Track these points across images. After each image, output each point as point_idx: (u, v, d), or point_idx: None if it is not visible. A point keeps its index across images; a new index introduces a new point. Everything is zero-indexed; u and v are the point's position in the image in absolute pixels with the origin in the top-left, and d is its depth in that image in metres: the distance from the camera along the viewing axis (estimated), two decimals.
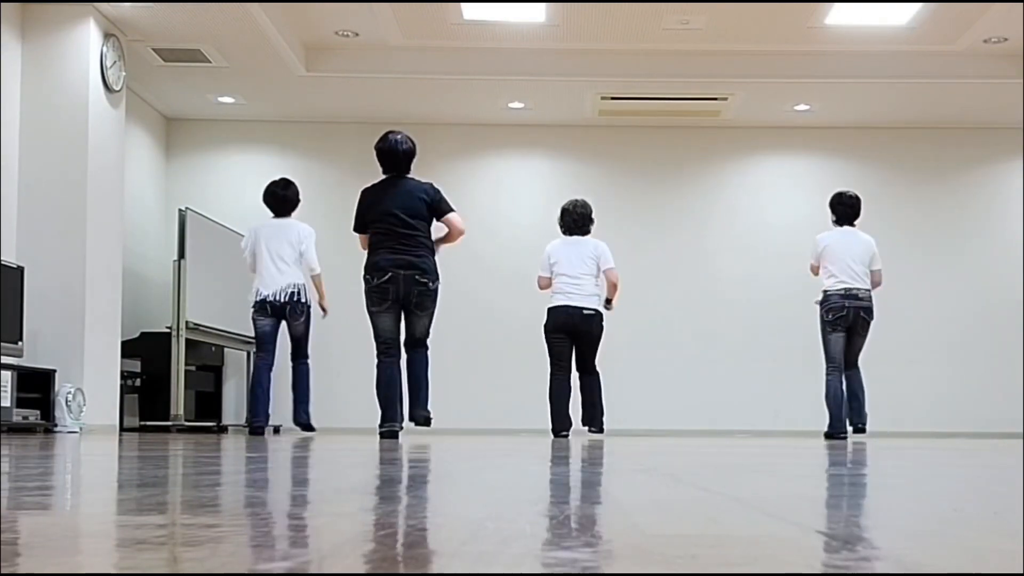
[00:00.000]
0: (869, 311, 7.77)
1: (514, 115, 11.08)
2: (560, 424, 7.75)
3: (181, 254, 9.45)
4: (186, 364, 9.48)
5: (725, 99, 10.48)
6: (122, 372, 9.02)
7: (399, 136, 6.78)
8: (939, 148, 11.46)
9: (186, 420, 9.54)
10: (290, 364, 7.87)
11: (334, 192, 11.16)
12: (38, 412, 7.73)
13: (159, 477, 2.18)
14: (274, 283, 7.64)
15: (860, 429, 7.71)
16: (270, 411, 7.88)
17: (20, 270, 7.78)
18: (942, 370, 11.28)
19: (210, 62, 9.56)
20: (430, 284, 6.56)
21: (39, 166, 8.21)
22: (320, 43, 9.69)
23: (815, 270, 7.98)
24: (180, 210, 9.65)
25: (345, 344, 10.60)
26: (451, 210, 6.67)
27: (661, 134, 11.39)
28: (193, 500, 1.57)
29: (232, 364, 11.07)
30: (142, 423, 9.71)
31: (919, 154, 11.47)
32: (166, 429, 9.34)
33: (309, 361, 7.87)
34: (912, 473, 2.53)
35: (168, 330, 9.47)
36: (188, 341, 9.45)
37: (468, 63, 9.83)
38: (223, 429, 10.53)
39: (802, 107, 10.81)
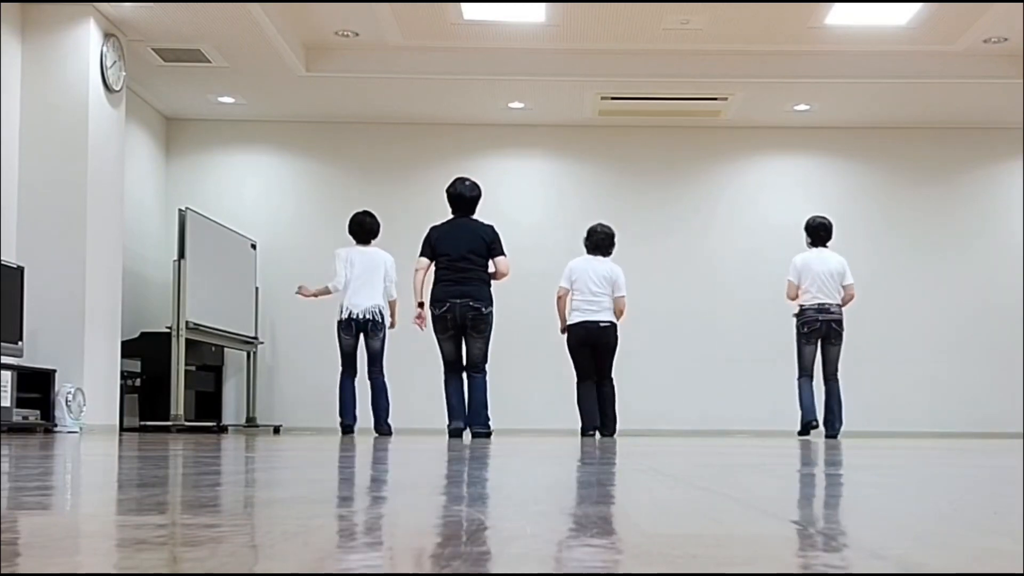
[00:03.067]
0: (839, 323, 8.61)
1: (514, 115, 11.08)
2: (591, 425, 8.35)
3: (181, 254, 9.45)
4: (186, 364, 9.48)
5: (725, 99, 10.48)
6: (122, 372, 9.02)
7: (468, 183, 7.69)
8: (939, 148, 11.46)
9: (186, 420, 9.53)
10: (367, 379, 8.52)
11: (334, 192, 11.17)
12: (38, 412, 7.73)
13: (159, 477, 2.18)
14: (361, 305, 8.42)
15: (833, 436, 8.50)
16: (355, 413, 8.57)
17: (20, 270, 7.77)
18: (942, 370, 11.28)
19: (210, 62, 9.56)
20: (483, 309, 7.48)
21: (39, 166, 8.21)
22: (320, 43, 9.69)
23: (793, 289, 8.70)
24: (180, 210, 9.65)
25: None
26: (502, 254, 7.56)
27: (661, 134, 11.39)
28: (193, 500, 1.57)
29: (232, 364, 11.08)
30: (142, 423, 9.71)
31: (919, 154, 11.47)
32: (166, 429, 9.34)
33: (385, 377, 8.52)
34: (912, 473, 2.53)
35: (168, 330, 9.47)
36: (188, 341, 9.45)
37: (468, 63, 9.83)
38: (223, 429, 10.53)
39: (802, 107, 10.81)
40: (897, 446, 5.63)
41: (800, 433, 8.60)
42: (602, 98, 10.47)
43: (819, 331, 8.57)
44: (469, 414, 7.56)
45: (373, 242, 8.64)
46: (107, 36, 8.55)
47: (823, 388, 8.63)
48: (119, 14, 8.51)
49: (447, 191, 7.71)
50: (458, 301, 7.44)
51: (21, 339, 7.72)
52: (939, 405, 11.23)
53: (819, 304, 8.55)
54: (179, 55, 9.40)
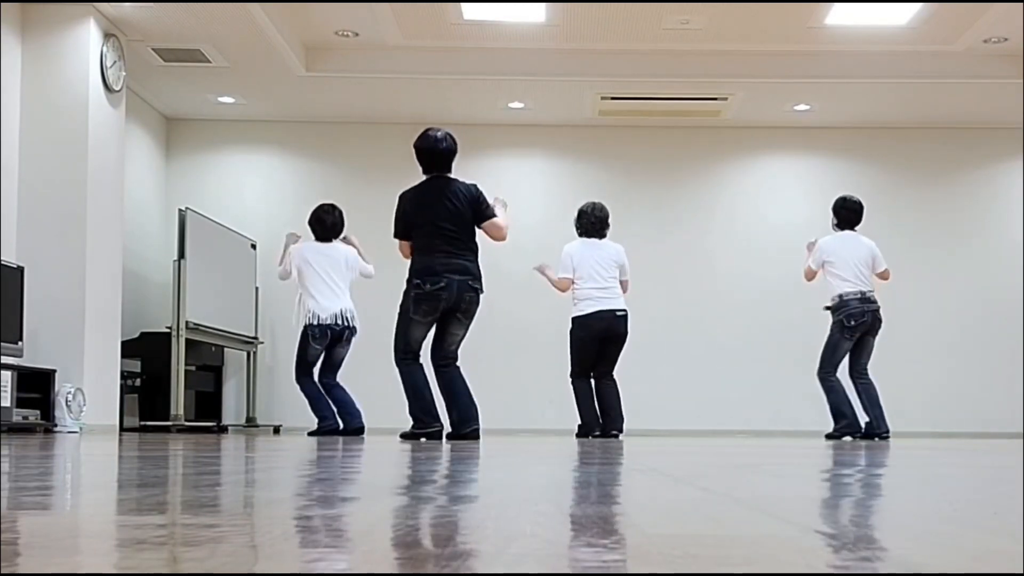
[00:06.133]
0: (879, 313, 7.87)
1: (514, 115, 11.08)
2: (593, 426, 7.76)
3: (181, 254, 9.45)
4: (186, 364, 9.48)
5: (725, 99, 10.48)
6: (122, 372, 9.02)
7: (438, 134, 6.39)
8: (939, 148, 11.46)
9: (186, 420, 9.54)
10: (321, 383, 8.05)
11: (334, 192, 11.15)
12: (38, 412, 7.73)
13: (159, 477, 2.18)
14: (332, 307, 7.87)
15: (884, 437, 7.70)
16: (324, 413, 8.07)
17: (20, 270, 7.78)
18: (942, 370, 11.28)
19: (210, 62, 9.56)
20: (480, 291, 6.33)
21: (39, 166, 8.21)
22: (320, 43, 9.69)
23: (810, 273, 7.99)
24: (180, 210, 9.65)
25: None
26: (492, 216, 6.37)
27: (661, 134, 11.39)
28: (193, 500, 1.57)
29: (232, 364, 11.08)
30: (142, 423, 9.71)
31: (919, 154, 11.47)
32: (166, 429, 9.34)
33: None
34: (912, 473, 2.53)
35: (168, 330, 9.47)
36: (188, 341, 9.45)
37: (468, 63, 9.83)
38: (223, 429, 10.54)
39: (802, 107, 10.81)
40: (897, 446, 5.63)
41: (831, 436, 7.79)
42: (602, 98, 10.47)
43: (866, 324, 7.74)
44: (459, 412, 6.31)
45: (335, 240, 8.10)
46: (107, 36, 8.55)
47: (853, 387, 7.89)
48: (119, 14, 8.51)
49: (414, 145, 6.42)
50: (457, 278, 6.19)
51: (21, 339, 7.72)
52: (939, 405, 11.23)
53: (861, 293, 7.72)
54: (179, 55, 9.40)
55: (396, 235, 6.42)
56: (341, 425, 8.00)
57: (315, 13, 8.98)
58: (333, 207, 8.18)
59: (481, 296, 6.38)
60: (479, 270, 6.37)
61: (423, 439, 6.29)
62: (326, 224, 8.06)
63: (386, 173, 11.35)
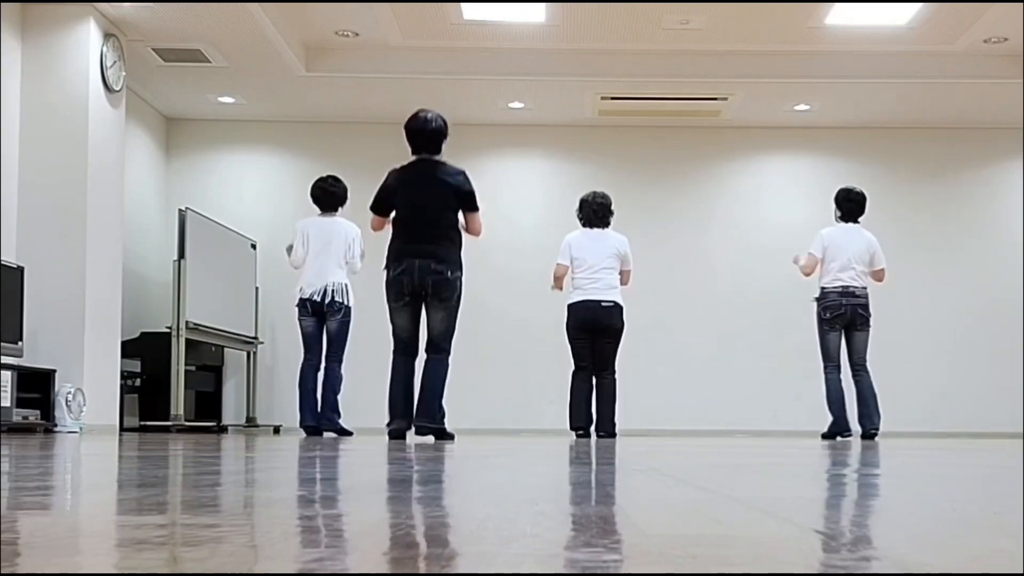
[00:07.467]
0: (866, 307, 7.83)
1: (514, 115, 11.08)
2: (579, 422, 7.68)
3: (181, 254, 9.45)
4: (186, 364, 9.48)
5: (725, 99, 10.48)
6: (122, 372, 9.02)
7: (429, 114, 6.29)
8: (939, 148, 11.46)
9: (186, 420, 9.54)
10: (325, 365, 7.93)
11: None
12: (38, 412, 7.73)
13: (159, 477, 2.18)
14: (317, 282, 7.80)
15: (871, 435, 7.70)
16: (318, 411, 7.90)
17: (20, 270, 7.78)
18: (942, 370, 11.28)
19: (210, 62, 9.57)
20: (447, 273, 6.12)
21: (39, 166, 8.21)
22: (320, 43, 9.70)
23: (812, 264, 7.92)
24: (180, 210, 9.65)
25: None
26: (476, 209, 6.28)
27: (661, 134, 11.39)
28: (193, 500, 1.57)
29: (232, 364, 11.08)
30: (142, 423, 9.71)
31: (919, 154, 11.48)
32: (166, 429, 9.34)
33: (342, 368, 7.89)
34: (912, 473, 2.53)
35: (168, 330, 9.47)
36: (188, 341, 9.45)
37: (468, 63, 9.83)
38: (223, 429, 10.54)
39: (802, 107, 10.81)
40: (897, 446, 5.63)
41: (825, 436, 7.83)
42: (602, 98, 10.48)
43: (843, 316, 7.73)
44: (417, 404, 6.14)
45: (340, 210, 8.03)
46: (107, 36, 8.55)
47: (851, 381, 7.81)
48: (119, 14, 8.51)
49: (404, 126, 6.34)
50: (417, 261, 6.10)
51: (21, 339, 7.72)
52: (939, 405, 11.23)
53: (843, 286, 7.72)
54: (179, 55, 9.40)
55: (372, 207, 6.38)
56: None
57: (315, 13, 8.98)
58: (336, 179, 8.11)
59: (454, 276, 6.18)
60: (453, 254, 6.19)
61: (393, 437, 6.19)
62: (327, 193, 7.98)
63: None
